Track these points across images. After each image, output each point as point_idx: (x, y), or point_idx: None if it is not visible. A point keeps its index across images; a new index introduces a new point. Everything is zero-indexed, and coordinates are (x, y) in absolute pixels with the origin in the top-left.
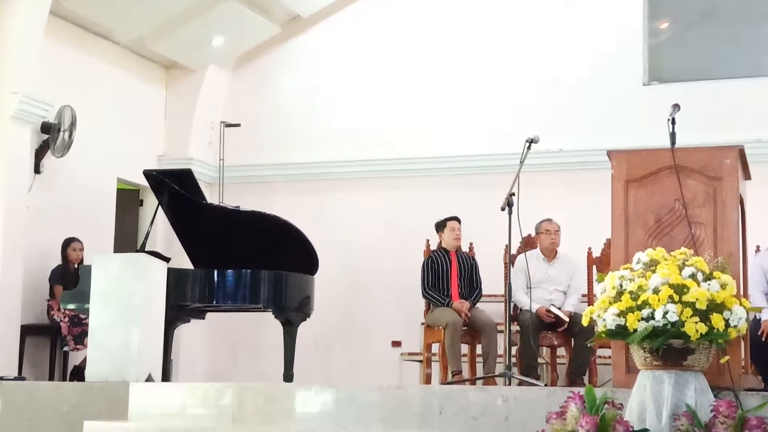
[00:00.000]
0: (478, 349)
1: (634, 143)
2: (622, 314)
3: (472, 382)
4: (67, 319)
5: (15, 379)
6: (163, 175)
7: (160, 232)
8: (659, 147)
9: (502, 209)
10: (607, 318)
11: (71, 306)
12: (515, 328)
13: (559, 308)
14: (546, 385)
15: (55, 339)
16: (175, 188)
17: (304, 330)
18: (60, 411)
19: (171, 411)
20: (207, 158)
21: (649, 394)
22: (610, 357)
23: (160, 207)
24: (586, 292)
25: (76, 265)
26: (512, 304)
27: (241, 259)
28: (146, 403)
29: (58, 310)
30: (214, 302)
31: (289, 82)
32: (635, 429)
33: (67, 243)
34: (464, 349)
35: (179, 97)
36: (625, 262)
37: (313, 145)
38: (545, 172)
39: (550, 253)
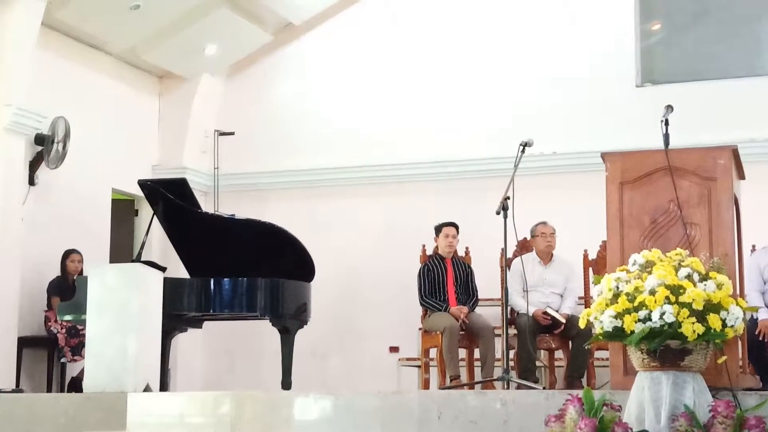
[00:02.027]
0: (476, 354)
1: (628, 145)
2: (619, 316)
3: (471, 386)
4: (64, 331)
5: (12, 391)
6: (157, 184)
7: (156, 241)
8: (653, 148)
9: (498, 213)
10: (604, 320)
11: (68, 317)
12: (512, 331)
13: (556, 311)
14: (544, 388)
15: (53, 350)
16: (170, 197)
17: (301, 337)
18: (58, 423)
19: (169, 420)
20: (201, 167)
21: (648, 395)
22: (607, 359)
23: (155, 217)
24: (582, 295)
25: (74, 277)
26: (509, 308)
27: (237, 267)
28: (144, 412)
29: (56, 321)
30: (211, 311)
31: (283, 90)
32: (634, 430)
33: (67, 255)
34: (462, 353)
35: (173, 106)
36: (621, 264)
37: (307, 152)
38: (539, 175)
39: (546, 256)
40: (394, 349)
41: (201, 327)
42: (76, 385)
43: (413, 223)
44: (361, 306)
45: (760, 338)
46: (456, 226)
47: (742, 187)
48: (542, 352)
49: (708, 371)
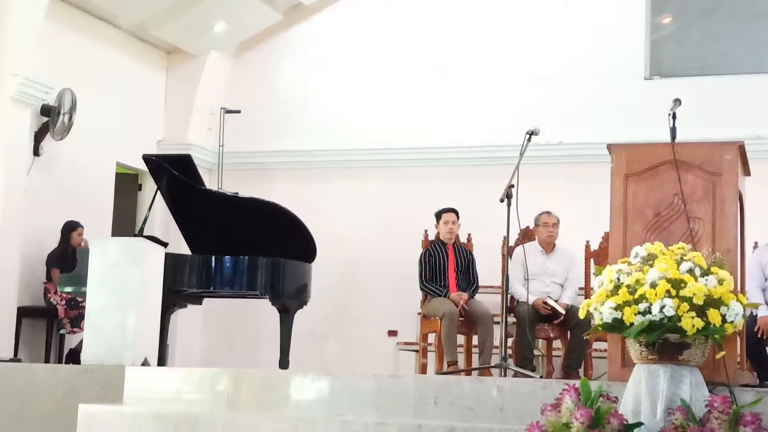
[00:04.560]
0: (475, 340)
1: (634, 137)
2: (618, 308)
3: (468, 372)
4: (64, 302)
5: (11, 360)
6: (162, 160)
7: (159, 217)
8: (659, 141)
9: (501, 201)
10: (603, 311)
11: (68, 289)
12: (512, 319)
13: (556, 301)
14: (541, 377)
15: (52, 322)
16: (174, 173)
17: (300, 318)
18: (55, 394)
19: (166, 396)
20: (206, 144)
21: (645, 388)
22: (605, 350)
23: (158, 192)
24: (583, 285)
25: (73, 249)
26: (509, 296)
27: (238, 245)
28: (142, 387)
29: (55, 293)
30: (212, 288)
31: (290, 70)
32: (630, 422)
33: (73, 227)
34: (460, 339)
35: (180, 82)
36: (622, 256)
37: (312, 133)
38: (545, 164)
39: (548, 246)
40: (392, 333)
41: (201, 303)
42: (74, 356)
43: (415, 208)
44: (361, 289)
45: (759, 335)
46: (456, 212)
47: (746, 184)
48: (540, 341)
49: (706, 366)
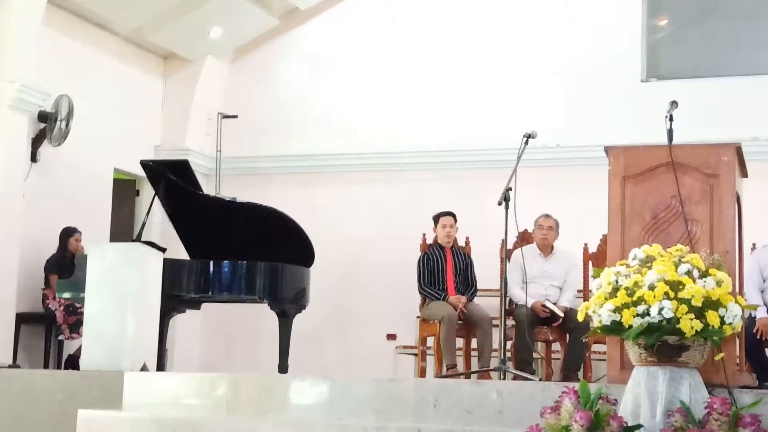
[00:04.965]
0: (474, 343)
1: (632, 139)
2: (617, 310)
3: (467, 375)
4: (62, 308)
5: (9, 367)
6: (160, 165)
7: (157, 222)
8: (657, 143)
9: (499, 204)
10: (602, 314)
11: (67, 295)
12: (510, 322)
13: (555, 303)
14: (540, 379)
15: (51, 327)
16: (172, 179)
17: (299, 321)
18: (54, 399)
19: (165, 401)
20: (204, 149)
21: (644, 390)
22: (604, 352)
23: (156, 197)
24: (581, 288)
25: (73, 254)
26: (508, 299)
27: (237, 250)
28: (141, 392)
29: (54, 298)
30: (210, 293)
31: (287, 74)
32: (629, 425)
33: (70, 233)
34: (459, 342)
35: (177, 87)
36: (621, 258)
37: (310, 137)
38: (542, 167)
39: (546, 249)
40: (391, 337)
41: (199, 308)
42: (73, 362)
43: (414, 211)
44: (359, 292)
45: (758, 336)
46: (454, 216)
47: (744, 185)
48: (539, 343)
49: (705, 368)
